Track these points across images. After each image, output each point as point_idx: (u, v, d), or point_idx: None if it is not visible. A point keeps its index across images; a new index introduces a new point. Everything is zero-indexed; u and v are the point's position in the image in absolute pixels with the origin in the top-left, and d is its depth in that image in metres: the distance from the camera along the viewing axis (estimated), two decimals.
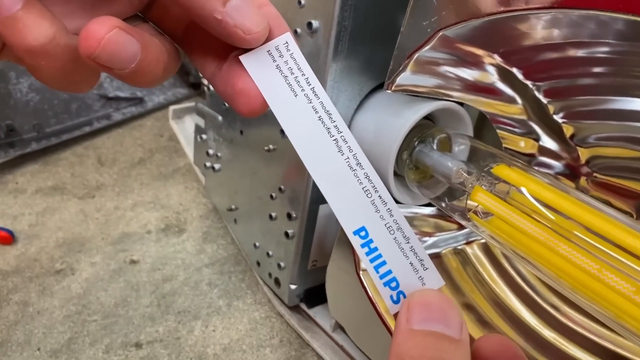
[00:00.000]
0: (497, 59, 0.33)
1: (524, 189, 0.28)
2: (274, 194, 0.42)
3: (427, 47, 0.31)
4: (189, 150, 0.64)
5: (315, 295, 0.43)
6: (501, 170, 0.30)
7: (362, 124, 0.36)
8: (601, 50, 0.31)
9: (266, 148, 0.41)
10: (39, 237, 0.54)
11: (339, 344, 0.41)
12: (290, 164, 0.39)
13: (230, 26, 0.16)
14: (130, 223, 0.57)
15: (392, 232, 0.17)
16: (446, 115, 0.36)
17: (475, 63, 0.33)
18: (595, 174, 0.34)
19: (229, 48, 0.18)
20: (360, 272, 0.31)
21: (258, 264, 0.47)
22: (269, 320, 0.46)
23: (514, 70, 0.34)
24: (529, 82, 0.34)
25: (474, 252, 0.39)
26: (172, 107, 0.70)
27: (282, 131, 0.38)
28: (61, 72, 0.16)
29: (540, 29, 0.29)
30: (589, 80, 0.32)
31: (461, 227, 0.39)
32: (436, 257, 0.38)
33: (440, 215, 0.39)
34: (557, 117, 0.35)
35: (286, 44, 0.18)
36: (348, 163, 0.17)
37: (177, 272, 0.51)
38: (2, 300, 0.47)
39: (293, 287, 0.43)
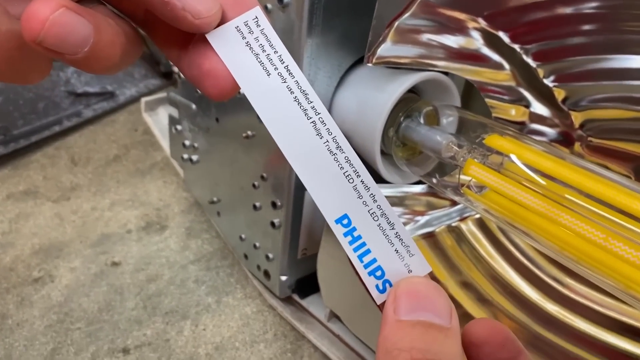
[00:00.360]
0: (482, 23, 0.31)
1: (519, 159, 0.26)
2: (256, 183, 0.40)
3: (407, 14, 0.29)
4: (166, 143, 0.62)
5: (307, 285, 0.42)
6: (494, 140, 0.28)
7: (344, 102, 0.34)
8: (590, 6, 0.29)
9: (244, 135, 0.39)
10: (14, 245, 0.52)
11: (336, 333, 0.40)
12: (271, 150, 0.37)
13: (178, 9, 0.15)
14: (109, 223, 0.55)
15: (375, 218, 0.16)
16: (431, 87, 0.34)
17: (459, 29, 0.31)
18: (590, 138, 0.33)
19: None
20: None
21: (245, 256, 0.45)
22: (261, 314, 0.44)
23: (500, 33, 0.32)
24: (516, 46, 0.32)
25: (469, 228, 0.38)
26: (144, 99, 0.67)
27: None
28: (6, 62, 0.15)
29: None
30: (580, 39, 0.31)
31: (454, 203, 0.38)
32: (430, 236, 0.37)
33: (432, 192, 0.37)
34: (548, 81, 0.33)
35: (256, 19, 0.17)
36: (327, 147, 0.16)
37: (162, 271, 0.49)
38: None
39: (284, 278, 0.41)
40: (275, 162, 0.37)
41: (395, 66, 0.31)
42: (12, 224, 0.54)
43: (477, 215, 0.37)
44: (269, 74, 0.17)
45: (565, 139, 0.34)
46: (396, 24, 0.29)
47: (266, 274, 0.42)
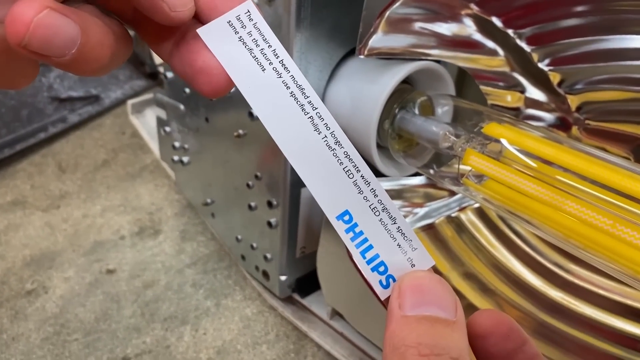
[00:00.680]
0: (474, 9, 0.31)
1: (520, 147, 0.26)
2: (250, 183, 0.39)
3: (398, 3, 0.28)
4: (155, 145, 0.60)
5: (307, 283, 0.41)
6: (493, 128, 0.28)
7: (337, 96, 0.34)
8: None
9: (236, 134, 0.38)
10: (4, 258, 0.50)
11: (339, 331, 0.39)
12: (264, 148, 0.36)
13: None
14: (101, 230, 0.54)
15: (377, 213, 0.16)
16: (425, 76, 0.33)
17: (451, 16, 0.31)
18: (587, 121, 0.33)
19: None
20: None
21: (243, 257, 0.44)
22: (262, 315, 0.44)
23: (493, 19, 0.31)
24: (509, 31, 0.32)
25: (469, 218, 0.37)
26: (130, 102, 0.66)
27: (250, 114, 0.35)
28: None
29: None
30: (573, 21, 0.30)
31: (453, 193, 0.37)
32: (430, 228, 0.36)
33: (430, 183, 0.36)
34: (542, 65, 0.33)
35: (248, 13, 0.16)
36: (326, 142, 0.16)
37: (158, 276, 0.48)
38: None
39: (283, 278, 0.40)
40: (269, 160, 0.36)
41: (388, 57, 0.30)
42: (2, 236, 0.53)
43: (477, 205, 0.37)
44: (264, 69, 0.16)
45: (562, 123, 0.34)
46: (387, 13, 0.28)
47: (265, 274, 0.42)
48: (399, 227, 0.16)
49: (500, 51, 0.33)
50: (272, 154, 0.36)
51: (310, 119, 0.16)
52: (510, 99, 0.34)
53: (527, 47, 0.32)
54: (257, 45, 0.16)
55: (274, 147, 0.35)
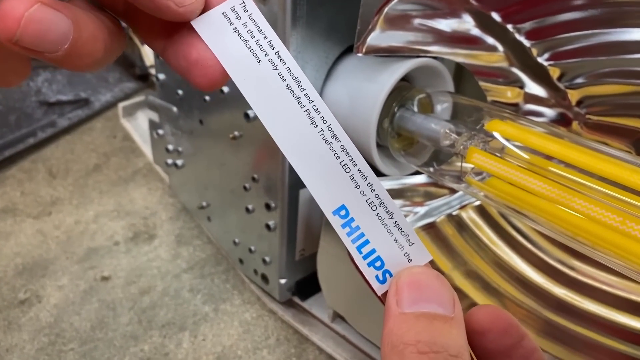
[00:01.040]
0: (473, 4, 0.30)
1: (524, 144, 0.25)
2: (247, 185, 0.38)
3: (396, 0, 0.28)
4: (147, 149, 0.59)
5: (307, 285, 0.41)
6: (495, 125, 0.27)
7: (334, 95, 0.33)
8: None
9: (231, 136, 0.37)
10: None
11: (340, 333, 0.39)
12: (261, 149, 0.36)
13: None
14: (95, 237, 0.53)
15: (374, 208, 0.16)
16: (423, 73, 0.33)
17: (450, 11, 0.30)
18: (588, 116, 0.32)
19: None
20: None
21: (241, 261, 0.43)
22: (262, 319, 0.43)
23: (492, 13, 0.31)
24: (508, 25, 0.31)
25: (470, 216, 0.37)
26: (121, 105, 0.65)
27: (246, 115, 0.34)
28: None
29: None
30: (572, 15, 0.30)
31: (454, 191, 0.37)
32: (431, 227, 0.36)
33: (430, 182, 0.36)
34: (542, 60, 0.32)
35: (243, 4, 0.16)
36: (322, 136, 0.16)
37: (154, 282, 0.47)
38: None
39: (282, 281, 0.39)
40: (267, 161, 0.36)
41: (386, 54, 0.30)
42: None
43: (477, 203, 0.37)
44: (259, 60, 0.16)
45: (563, 118, 0.34)
46: (385, 10, 0.28)
47: (264, 278, 0.41)
48: (396, 221, 0.16)
49: (500, 46, 0.32)
50: (269, 155, 0.35)
51: (306, 112, 0.16)
52: (510, 94, 0.34)
53: (526, 42, 0.32)
54: (253, 37, 0.16)
55: (271, 148, 0.35)
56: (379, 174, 0.33)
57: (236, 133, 0.37)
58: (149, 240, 0.52)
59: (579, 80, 0.32)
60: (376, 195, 0.16)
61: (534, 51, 0.32)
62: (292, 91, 0.16)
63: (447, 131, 0.29)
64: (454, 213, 0.36)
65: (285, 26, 0.30)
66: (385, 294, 0.15)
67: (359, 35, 0.28)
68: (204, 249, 0.51)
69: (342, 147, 0.16)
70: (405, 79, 0.33)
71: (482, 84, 0.33)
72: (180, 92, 0.43)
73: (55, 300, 0.46)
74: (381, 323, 0.14)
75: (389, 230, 0.16)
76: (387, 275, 0.16)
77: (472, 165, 0.27)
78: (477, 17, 0.31)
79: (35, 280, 0.48)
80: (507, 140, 0.27)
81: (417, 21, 0.29)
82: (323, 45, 0.32)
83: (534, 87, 0.34)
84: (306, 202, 0.36)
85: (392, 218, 0.16)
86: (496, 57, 0.33)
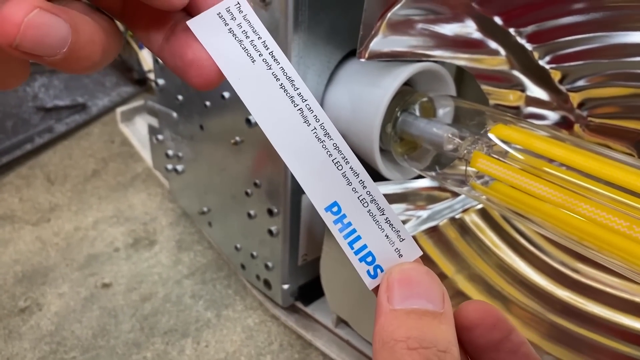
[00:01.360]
0: (476, 8, 0.30)
1: (529, 149, 0.25)
2: (249, 190, 0.38)
3: (398, 5, 0.28)
4: (146, 154, 0.59)
5: (310, 290, 0.41)
6: (500, 130, 0.27)
7: (336, 100, 0.33)
8: None
9: (233, 141, 0.37)
10: None
11: (344, 338, 0.38)
12: (263, 155, 0.36)
13: None
14: (94, 243, 0.52)
15: (365, 204, 0.16)
16: (425, 78, 0.33)
17: (452, 16, 0.30)
18: (590, 119, 0.32)
19: (174, 16, 0.17)
20: None
21: (243, 267, 0.43)
22: (265, 325, 0.43)
23: (494, 18, 0.31)
24: (510, 29, 0.31)
25: (472, 219, 0.37)
26: (119, 109, 0.65)
27: (248, 120, 0.34)
28: None
29: None
30: (574, 18, 0.30)
31: (456, 195, 0.37)
32: (434, 231, 0.36)
33: (433, 186, 0.36)
34: (543, 63, 0.32)
35: (238, 5, 0.16)
36: (315, 134, 0.16)
37: (156, 288, 0.47)
38: None
39: (285, 286, 0.39)
40: (269, 167, 0.35)
41: (389, 59, 0.30)
42: None
43: (480, 206, 0.37)
44: (254, 60, 0.16)
45: (565, 121, 0.34)
46: (388, 15, 0.28)
47: (267, 283, 0.41)
48: (387, 217, 0.16)
49: (502, 50, 0.32)
50: (271, 160, 0.35)
51: (299, 111, 0.16)
52: (512, 97, 0.34)
53: (528, 45, 0.32)
54: (247, 37, 0.16)
55: (273, 154, 0.34)
56: (382, 178, 0.33)
57: (237, 138, 0.37)
58: (149, 246, 0.52)
59: (581, 83, 0.32)
60: (368, 192, 0.16)
61: (536, 54, 0.32)
62: (285, 90, 0.16)
63: (451, 135, 0.29)
64: (457, 216, 0.36)
65: (287, 31, 0.30)
66: (377, 288, 0.16)
67: (361, 41, 0.28)
68: (205, 254, 0.50)
69: (335, 145, 0.16)
70: (408, 83, 0.33)
71: (484, 87, 0.33)
72: (180, 97, 0.43)
73: (56, 308, 0.45)
74: None
75: (380, 227, 0.16)
76: (379, 270, 0.16)
77: (475, 170, 0.27)
78: (479, 21, 0.31)
79: (35, 288, 0.48)
80: (511, 144, 0.27)
81: (419, 26, 0.29)
82: (325, 49, 0.32)
83: (535, 90, 0.34)
84: (308, 208, 0.36)
85: (383, 214, 0.16)
86: (498, 60, 0.33)
